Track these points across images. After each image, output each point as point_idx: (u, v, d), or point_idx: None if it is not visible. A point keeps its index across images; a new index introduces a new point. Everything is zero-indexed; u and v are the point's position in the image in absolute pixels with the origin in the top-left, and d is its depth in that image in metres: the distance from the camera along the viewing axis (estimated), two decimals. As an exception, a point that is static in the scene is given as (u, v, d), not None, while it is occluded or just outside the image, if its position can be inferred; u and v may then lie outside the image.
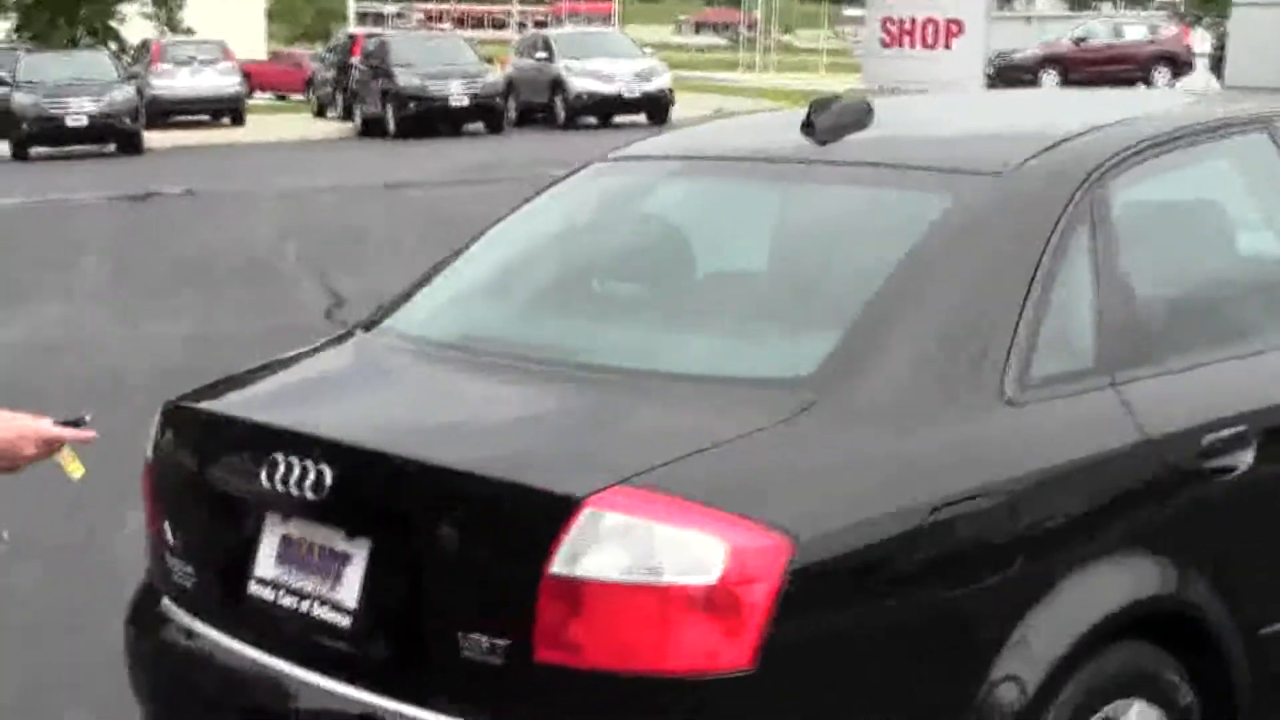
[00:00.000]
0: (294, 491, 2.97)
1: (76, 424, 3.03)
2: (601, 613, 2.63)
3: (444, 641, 2.75)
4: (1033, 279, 3.10)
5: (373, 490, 2.94)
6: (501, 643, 2.69)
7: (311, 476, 2.95)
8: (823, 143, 3.50)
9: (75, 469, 3.05)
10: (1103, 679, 2.97)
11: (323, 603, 2.98)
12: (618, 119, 27.28)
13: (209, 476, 3.28)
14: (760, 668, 2.58)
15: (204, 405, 3.41)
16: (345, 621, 2.93)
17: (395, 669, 2.87)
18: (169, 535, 3.35)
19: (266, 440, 3.09)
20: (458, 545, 2.80)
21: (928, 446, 2.89)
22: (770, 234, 3.63)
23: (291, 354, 3.66)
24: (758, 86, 40.85)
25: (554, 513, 2.67)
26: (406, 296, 3.76)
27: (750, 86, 41.16)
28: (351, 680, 2.91)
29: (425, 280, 3.81)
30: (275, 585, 3.07)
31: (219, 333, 9.90)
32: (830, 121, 3.51)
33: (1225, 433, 3.27)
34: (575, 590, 2.63)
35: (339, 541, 2.97)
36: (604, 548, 2.63)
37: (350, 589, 2.93)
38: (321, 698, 2.94)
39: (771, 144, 3.80)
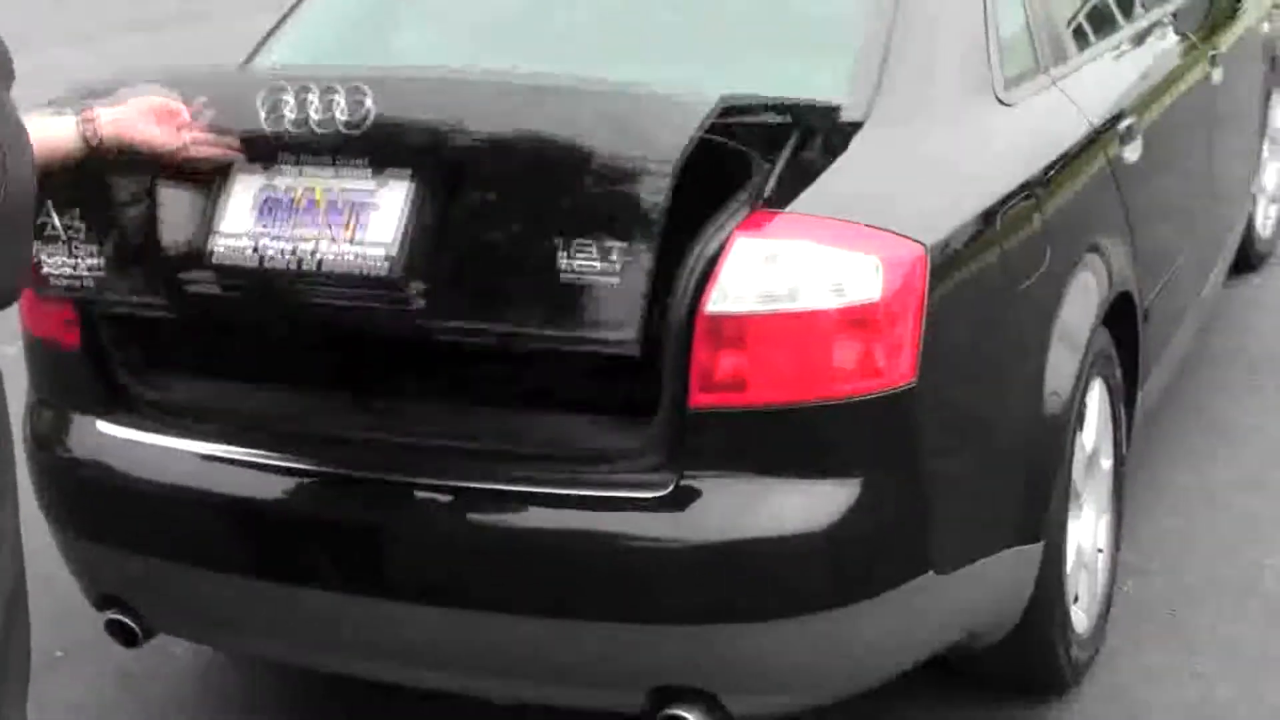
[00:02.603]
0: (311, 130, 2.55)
1: None
2: (764, 346, 2.52)
3: None
4: None
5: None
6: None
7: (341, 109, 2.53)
8: None
9: None
10: (1090, 360, 3.16)
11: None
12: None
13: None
14: (920, 378, 2.58)
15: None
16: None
17: None
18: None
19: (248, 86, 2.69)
20: None
21: (969, 147, 2.96)
22: None
23: None
24: None
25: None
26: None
27: None
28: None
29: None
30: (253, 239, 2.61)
31: None
32: None
33: (1128, 121, 3.52)
34: (734, 326, 2.51)
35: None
36: (761, 277, 2.51)
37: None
38: None
39: None
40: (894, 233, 2.59)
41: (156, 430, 2.88)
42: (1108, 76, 3.62)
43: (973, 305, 2.77)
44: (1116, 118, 3.48)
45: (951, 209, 2.76)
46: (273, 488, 2.78)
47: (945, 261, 2.66)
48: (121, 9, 12.23)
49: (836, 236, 2.55)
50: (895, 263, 2.55)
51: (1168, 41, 4.18)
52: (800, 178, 2.66)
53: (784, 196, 2.62)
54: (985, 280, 2.81)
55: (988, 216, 2.83)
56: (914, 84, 2.93)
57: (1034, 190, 2.99)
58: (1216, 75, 4.46)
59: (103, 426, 2.94)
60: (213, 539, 2.85)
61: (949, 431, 2.70)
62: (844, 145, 2.76)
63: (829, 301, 2.51)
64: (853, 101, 2.85)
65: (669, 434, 2.55)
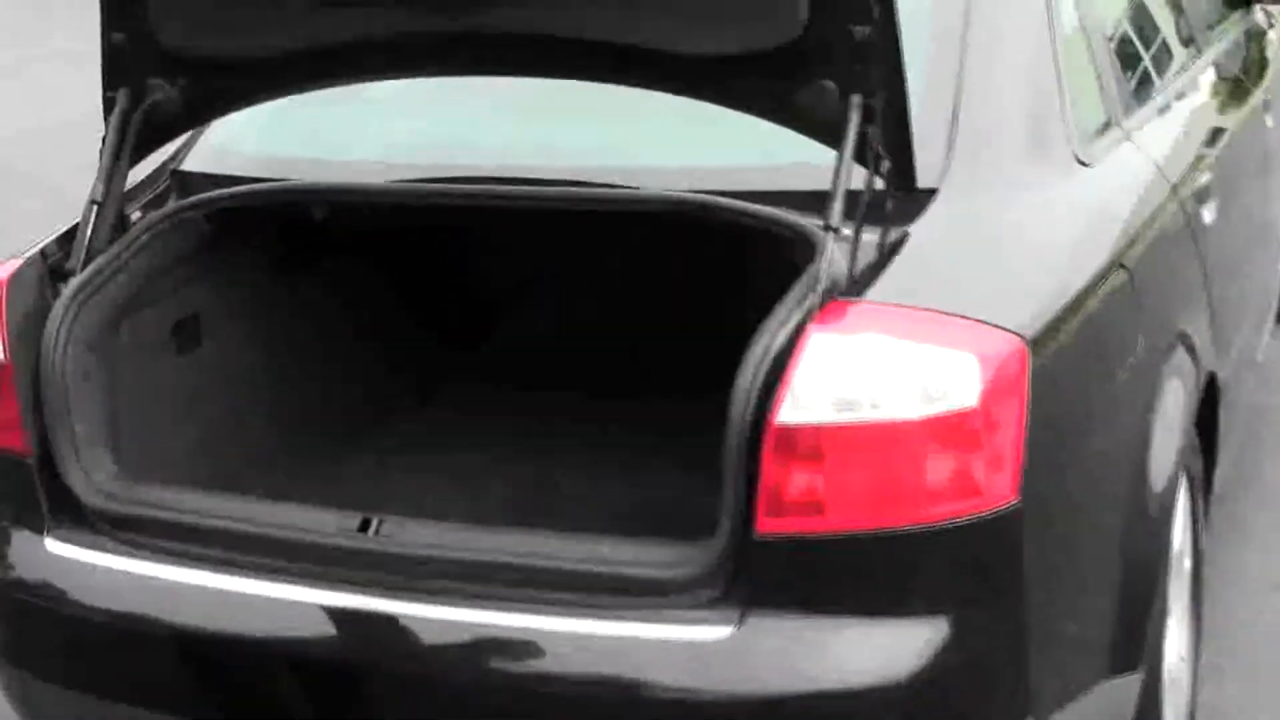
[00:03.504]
0: None
1: None
2: (844, 461, 2.13)
3: None
4: (1051, 39, 2.79)
5: None
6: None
7: None
8: None
9: None
10: (1182, 452, 2.79)
11: None
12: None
13: None
14: (1024, 497, 2.19)
15: None
16: None
17: None
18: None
19: None
20: None
21: (1055, 216, 2.58)
22: None
23: None
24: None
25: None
26: None
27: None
28: None
29: None
30: None
31: None
32: None
33: (1204, 177, 3.16)
34: (809, 439, 2.12)
35: None
36: (840, 380, 2.12)
37: None
38: None
39: None
40: (990, 324, 2.20)
41: (114, 550, 2.47)
42: (1176, 126, 3.26)
43: (1073, 406, 2.39)
44: (1193, 173, 3.12)
45: (1046, 291, 2.39)
46: (253, 620, 2.38)
47: (1045, 355, 2.28)
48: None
49: (926, 331, 2.17)
50: (994, 360, 2.17)
51: (1223, 84, 3.83)
52: (874, 259, 2.28)
53: (860, 283, 2.23)
54: (1084, 374, 2.43)
55: (1083, 298, 2.45)
56: (988, 145, 2.56)
57: (1125, 264, 2.62)
58: (1269, 119, 4.11)
59: (51, 545, 2.52)
60: (182, 680, 2.45)
61: (1051, 554, 2.31)
62: (919, 219, 2.38)
63: (920, 409, 2.12)
64: (923, 168, 2.46)
65: (729, 564, 2.16)
